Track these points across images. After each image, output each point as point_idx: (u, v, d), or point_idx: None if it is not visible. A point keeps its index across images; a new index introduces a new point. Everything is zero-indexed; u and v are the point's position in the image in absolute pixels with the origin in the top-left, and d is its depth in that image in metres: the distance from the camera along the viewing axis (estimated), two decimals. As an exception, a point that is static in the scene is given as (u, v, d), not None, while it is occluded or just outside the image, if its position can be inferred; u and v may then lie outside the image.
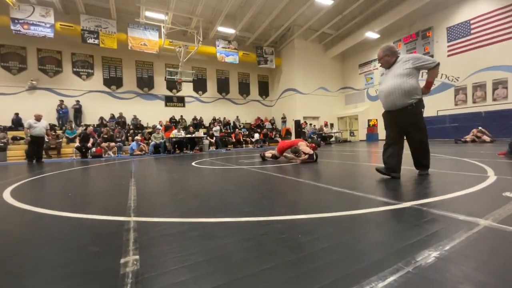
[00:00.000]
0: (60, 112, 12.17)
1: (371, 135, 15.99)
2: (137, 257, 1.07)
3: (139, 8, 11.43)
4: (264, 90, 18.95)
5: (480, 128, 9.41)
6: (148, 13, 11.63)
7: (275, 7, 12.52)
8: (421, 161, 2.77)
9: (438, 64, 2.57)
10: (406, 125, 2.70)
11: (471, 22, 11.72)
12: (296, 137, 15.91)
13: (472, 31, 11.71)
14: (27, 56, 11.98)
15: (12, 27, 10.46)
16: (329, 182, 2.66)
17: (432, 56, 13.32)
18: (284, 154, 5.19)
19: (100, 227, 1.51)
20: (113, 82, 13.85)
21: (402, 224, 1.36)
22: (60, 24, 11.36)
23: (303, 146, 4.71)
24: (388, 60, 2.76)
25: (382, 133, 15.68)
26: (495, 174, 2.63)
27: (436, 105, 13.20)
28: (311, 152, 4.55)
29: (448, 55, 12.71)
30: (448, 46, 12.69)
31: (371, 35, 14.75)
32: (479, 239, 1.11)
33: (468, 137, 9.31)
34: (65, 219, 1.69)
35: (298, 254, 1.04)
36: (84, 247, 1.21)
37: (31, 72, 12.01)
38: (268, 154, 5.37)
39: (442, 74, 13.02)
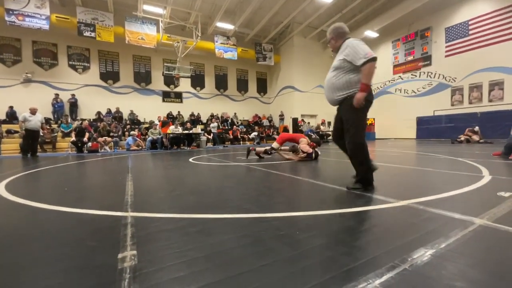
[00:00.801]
0: (56, 106, 12.00)
1: (368, 134, 16.04)
2: (134, 252, 1.06)
3: (137, 1, 11.25)
4: (262, 87, 18.88)
5: (472, 128, 9.52)
6: (146, 7, 11.46)
7: (275, 3, 12.41)
8: (355, 169, 2.24)
9: (370, 60, 1.93)
10: (342, 122, 2.24)
11: (470, 23, 11.77)
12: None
13: (470, 32, 11.77)
14: (22, 48, 11.76)
15: (6, 18, 10.23)
16: (326, 180, 2.67)
17: (430, 56, 13.40)
18: (282, 148, 5.08)
19: (97, 222, 1.50)
20: (109, 76, 13.67)
21: (399, 222, 1.38)
22: (56, 16, 11.14)
23: (304, 143, 4.68)
24: (334, 44, 2.24)
25: (379, 132, 15.80)
26: (490, 174, 2.66)
27: (432, 105, 13.31)
28: (310, 151, 4.56)
29: (446, 56, 12.78)
30: (446, 47, 12.75)
31: (370, 34, 14.74)
32: (474, 237, 1.13)
33: (462, 136, 9.45)
34: (61, 214, 1.68)
35: (296, 250, 1.05)
36: (81, 241, 1.21)
37: (26, 64, 11.80)
38: (261, 149, 5.27)
39: (439, 75, 13.11)
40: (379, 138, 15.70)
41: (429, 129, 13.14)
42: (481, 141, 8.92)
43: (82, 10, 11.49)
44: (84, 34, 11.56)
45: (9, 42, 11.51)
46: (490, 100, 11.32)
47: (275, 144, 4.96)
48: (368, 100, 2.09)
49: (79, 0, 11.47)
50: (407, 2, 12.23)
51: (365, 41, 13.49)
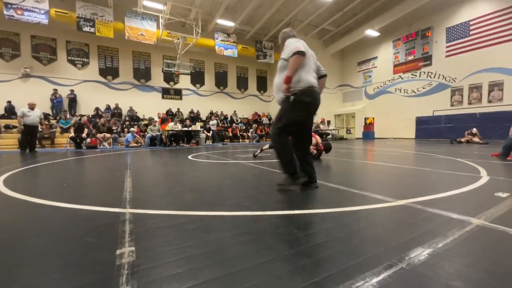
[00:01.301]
0: (54, 101, 11.95)
1: (368, 133, 16.10)
2: (133, 248, 1.06)
3: (137, -3, 11.18)
4: (262, 85, 18.85)
5: (471, 130, 9.60)
6: (146, 2, 11.37)
7: (275, 1, 12.35)
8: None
9: (294, 54, 1.95)
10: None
11: (471, 23, 11.75)
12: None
13: (471, 32, 11.76)
14: (21, 42, 11.67)
15: (5, 12, 10.13)
16: (325, 179, 2.68)
17: (430, 56, 13.39)
18: None
19: (95, 218, 1.50)
20: (109, 72, 13.60)
21: (396, 221, 1.38)
22: (55, 11, 11.04)
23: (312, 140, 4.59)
24: (282, 48, 2.24)
25: (378, 131, 15.81)
26: (487, 175, 2.68)
27: (432, 105, 13.32)
28: (314, 153, 4.43)
29: (447, 56, 12.77)
30: (447, 47, 12.74)
31: (371, 33, 14.70)
32: (471, 237, 1.14)
33: (464, 139, 9.53)
34: (60, 210, 1.68)
35: (295, 248, 1.05)
36: (80, 238, 1.21)
37: (25, 59, 11.72)
38: (265, 147, 5.01)
39: (439, 75, 13.10)
40: (378, 137, 15.72)
41: (428, 129, 13.17)
42: (480, 142, 9.00)
43: (82, 5, 11.39)
44: (84, 29, 11.47)
45: (7, 36, 11.42)
46: (489, 101, 11.34)
47: None
48: (301, 100, 2.03)
49: (79, -5, 11.36)
50: (408, 1, 12.19)
51: (366, 40, 13.48)
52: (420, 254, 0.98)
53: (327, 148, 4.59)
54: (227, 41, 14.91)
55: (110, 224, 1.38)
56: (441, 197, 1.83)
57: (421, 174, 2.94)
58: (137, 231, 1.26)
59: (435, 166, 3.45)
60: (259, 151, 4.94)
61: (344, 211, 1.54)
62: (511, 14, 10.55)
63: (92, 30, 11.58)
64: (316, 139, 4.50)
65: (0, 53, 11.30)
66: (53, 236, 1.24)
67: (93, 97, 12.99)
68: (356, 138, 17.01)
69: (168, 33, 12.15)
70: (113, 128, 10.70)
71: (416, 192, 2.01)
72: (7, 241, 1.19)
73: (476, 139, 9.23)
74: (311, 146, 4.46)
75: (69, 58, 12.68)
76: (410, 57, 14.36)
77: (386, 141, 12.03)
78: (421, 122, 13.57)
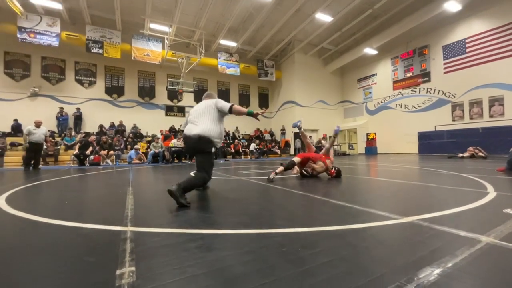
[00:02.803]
0: (60, 119, 12.19)
1: (370, 149, 16.04)
2: (133, 268, 1.04)
3: (144, 20, 11.74)
4: (264, 102, 19.15)
5: (476, 147, 9.53)
6: (153, 25, 11.93)
7: (276, 22, 12.90)
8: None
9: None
10: None
11: (467, 41, 12.08)
12: (296, 149, 15.93)
13: (468, 50, 12.05)
14: (31, 63, 12.15)
15: (18, 35, 10.67)
16: (328, 195, 2.64)
17: (428, 73, 13.67)
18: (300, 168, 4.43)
19: (96, 237, 1.48)
20: (114, 90, 13.98)
21: (403, 239, 1.35)
22: (66, 34, 11.60)
23: (320, 165, 4.14)
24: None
25: (381, 147, 15.77)
26: (494, 190, 2.62)
27: (433, 120, 13.36)
28: (317, 174, 4.23)
29: (445, 72, 13.00)
30: (445, 64, 13.00)
31: (369, 51, 15.14)
32: (481, 256, 1.10)
33: (466, 154, 9.40)
34: (60, 228, 1.66)
35: (299, 268, 1.02)
36: (79, 257, 1.19)
37: (34, 79, 12.14)
38: (279, 170, 4.24)
39: (439, 91, 13.27)
40: (381, 153, 15.64)
41: (431, 144, 13.12)
42: (483, 155, 8.90)
43: (91, 28, 11.97)
44: (92, 51, 11.98)
45: (19, 57, 11.92)
46: (491, 116, 11.37)
47: (296, 159, 4.37)
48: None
49: (89, 19, 11.98)
50: (404, 21, 12.65)
51: (365, 57, 13.90)
52: (430, 274, 0.94)
53: (339, 175, 4.08)
54: (230, 60, 15.40)
55: (110, 243, 1.35)
56: (448, 214, 1.79)
57: (427, 190, 2.90)
58: (137, 250, 1.24)
59: (440, 182, 3.40)
60: (273, 174, 4.13)
61: (349, 229, 1.51)
62: (505, 32, 10.85)
63: (100, 51, 12.08)
64: (325, 164, 4.13)
65: (11, 73, 11.73)
66: (52, 255, 1.22)
67: (98, 114, 13.26)
68: (359, 154, 16.94)
69: (172, 53, 12.62)
70: (116, 144, 10.79)
71: (422, 209, 1.96)
72: (6, 260, 1.17)
73: (481, 153, 9.12)
74: (320, 169, 4.15)
75: (77, 77, 13.11)
76: (409, 74, 14.64)
77: (389, 157, 11.95)
78: (423, 137, 13.55)
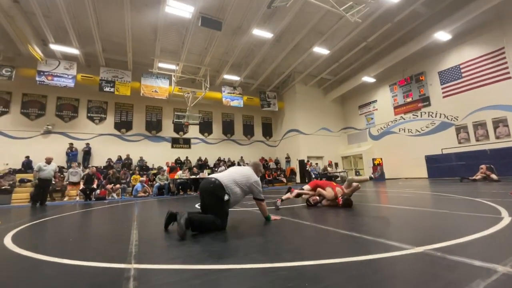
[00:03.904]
0: (70, 154, 12.50)
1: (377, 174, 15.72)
2: (136, 309, 1.01)
3: (153, 60, 12.64)
4: (267, 131, 19.48)
5: (490, 165, 9.27)
6: (161, 64, 12.81)
7: (276, 56, 13.73)
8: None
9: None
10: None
11: (461, 66, 12.49)
12: (302, 177, 15.74)
13: (463, 75, 12.39)
14: (47, 103, 12.87)
15: (37, 78, 11.51)
16: (335, 225, 2.57)
17: (428, 97, 13.94)
18: (305, 193, 4.42)
19: (99, 275, 1.45)
20: (123, 125, 14.51)
21: (415, 271, 1.29)
22: (81, 76, 12.49)
23: (329, 191, 4.08)
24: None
25: (388, 172, 15.46)
26: (509, 215, 2.52)
27: (439, 143, 13.24)
28: (326, 202, 4.14)
29: (444, 96, 13.24)
30: (443, 88, 13.30)
31: (368, 79, 15.71)
32: (498, 288, 1.04)
33: (478, 175, 9.11)
34: (63, 267, 1.64)
35: (306, 305, 0.98)
36: (82, 297, 1.16)
37: (48, 117, 12.75)
38: (285, 197, 4.51)
39: (440, 114, 13.38)
40: (389, 178, 15.29)
41: (440, 167, 12.85)
42: (493, 177, 8.59)
43: (105, 69, 12.90)
44: (104, 90, 12.75)
45: (36, 98, 12.67)
46: (497, 137, 11.25)
47: (306, 187, 4.44)
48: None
49: (103, 62, 12.97)
50: (398, 51, 13.30)
51: (364, 85, 14.37)
52: (444, 309, 0.89)
53: (349, 205, 3.83)
54: (233, 93, 16.10)
55: (113, 282, 1.33)
56: (461, 242, 1.72)
57: (438, 216, 2.80)
58: (140, 289, 1.21)
59: (452, 208, 3.29)
60: (279, 202, 4.21)
61: (357, 261, 1.46)
62: (498, 57, 11.25)
63: (111, 90, 12.85)
64: (334, 191, 4.01)
65: (27, 113, 12.39)
66: (55, 297, 1.20)
67: (107, 149, 13.59)
68: (367, 180, 16.55)
69: (179, 88, 13.31)
70: (122, 178, 10.87)
71: (434, 237, 1.89)
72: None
73: (493, 176, 8.81)
74: (330, 196, 4.03)
75: (89, 114, 13.75)
76: (409, 99, 14.92)
77: (397, 182, 11.66)
78: (431, 161, 13.32)
